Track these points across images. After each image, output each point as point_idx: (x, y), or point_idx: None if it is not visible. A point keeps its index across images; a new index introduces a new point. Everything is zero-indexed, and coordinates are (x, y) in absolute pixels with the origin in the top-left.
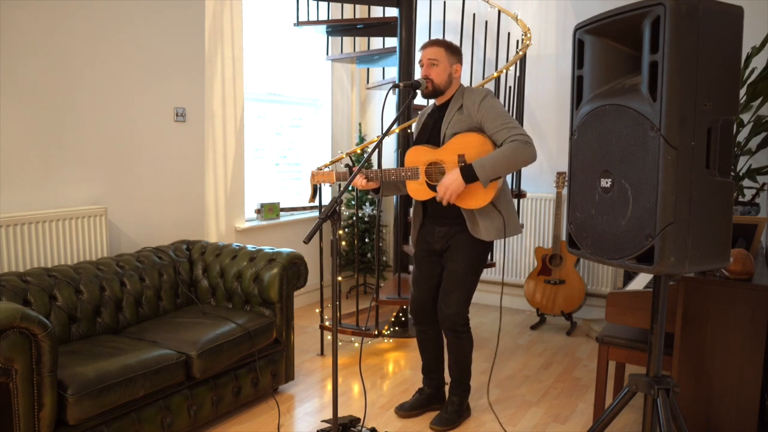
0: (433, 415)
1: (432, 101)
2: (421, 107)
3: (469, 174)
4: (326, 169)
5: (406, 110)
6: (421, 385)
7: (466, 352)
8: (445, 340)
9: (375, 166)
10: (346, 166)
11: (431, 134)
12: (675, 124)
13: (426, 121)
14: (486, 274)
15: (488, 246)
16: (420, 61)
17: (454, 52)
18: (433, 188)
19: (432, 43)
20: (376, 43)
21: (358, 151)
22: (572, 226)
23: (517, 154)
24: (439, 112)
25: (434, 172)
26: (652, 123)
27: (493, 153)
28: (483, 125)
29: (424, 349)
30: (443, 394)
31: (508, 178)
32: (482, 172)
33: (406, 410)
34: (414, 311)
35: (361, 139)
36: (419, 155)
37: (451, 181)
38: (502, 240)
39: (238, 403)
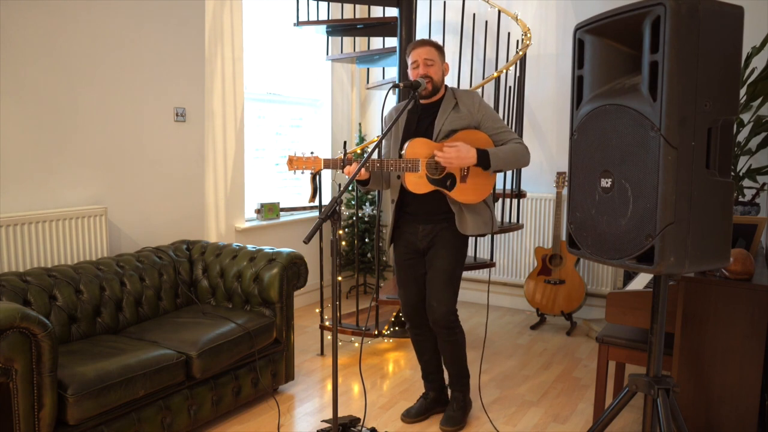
0: (437, 418)
1: (399, 101)
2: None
3: (483, 157)
4: (309, 155)
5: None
6: (420, 387)
7: (462, 345)
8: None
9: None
10: (340, 152)
11: (419, 131)
12: (675, 124)
13: (409, 118)
14: (486, 273)
15: (468, 240)
16: (414, 62)
17: (441, 51)
18: (432, 182)
19: (424, 44)
20: (376, 43)
21: (358, 151)
22: (572, 226)
23: (522, 155)
24: (426, 110)
25: (435, 165)
26: (652, 123)
27: (505, 147)
28: (482, 125)
29: (423, 352)
30: (446, 396)
31: (508, 177)
32: (495, 160)
33: (413, 416)
34: (408, 315)
35: (361, 139)
36: (421, 148)
37: (466, 153)
38: (502, 240)
39: (238, 403)
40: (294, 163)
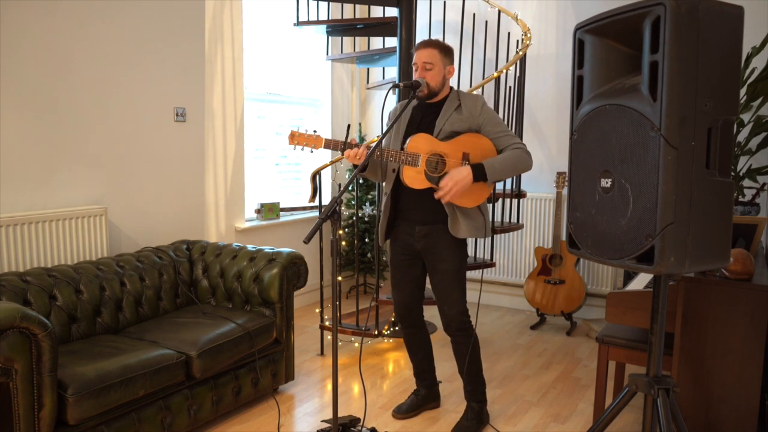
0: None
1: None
2: None
3: (479, 173)
4: (312, 133)
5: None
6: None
7: (477, 350)
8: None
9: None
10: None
11: (421, 128)
12: (675, 124)
13: (413, 115)
14: (487, 273)
15: (466, 240)
16: (414, 63)
17: (447, 53)
18: (430, 179)
19: (426, 45)
20: (376, 43)
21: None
22: (572, 226)
23: (521, 161)
24: (429, 108)
25: (435, 163)
26: (652, 123)
27: (501, 157)
28: (483, 128)
29: (415, 351)
30: (437, 392)
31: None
32: (491, 173)
33: (404, 412)
34: (400, 315)
35: (361, 140)
36: (423, 143)
37: (461, 177)
38: (502, 240)
39: (238, 403)
40: (295, 138)
